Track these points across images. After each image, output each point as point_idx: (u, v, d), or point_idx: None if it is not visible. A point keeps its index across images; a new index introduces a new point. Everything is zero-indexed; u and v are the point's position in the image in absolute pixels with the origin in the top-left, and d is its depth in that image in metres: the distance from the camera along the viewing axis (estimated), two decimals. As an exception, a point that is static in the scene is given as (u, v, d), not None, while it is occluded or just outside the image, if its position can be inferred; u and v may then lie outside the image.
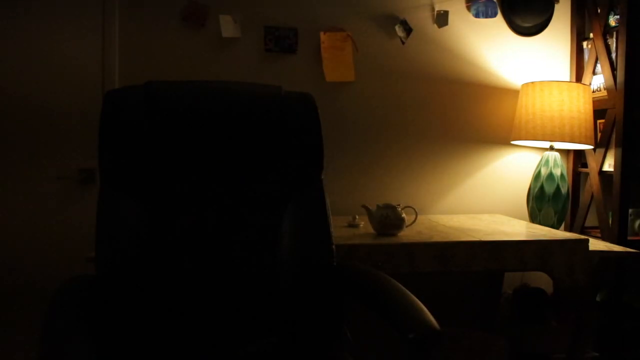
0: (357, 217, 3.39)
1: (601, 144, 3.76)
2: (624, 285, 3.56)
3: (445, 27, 3.95)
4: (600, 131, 3.83)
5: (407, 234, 3.02)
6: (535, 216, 3.75)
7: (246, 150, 2.43)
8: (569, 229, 4.08)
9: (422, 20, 3.93)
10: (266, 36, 3.76)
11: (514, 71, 4.06)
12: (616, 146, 3.57)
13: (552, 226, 3.66)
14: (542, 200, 3.69)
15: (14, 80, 3.53)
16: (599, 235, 3.74)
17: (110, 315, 2.18)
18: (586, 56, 4.01)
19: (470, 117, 4.02)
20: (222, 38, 3.72)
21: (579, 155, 4.11)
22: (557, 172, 3.67)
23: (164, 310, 2.24)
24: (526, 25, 4.05)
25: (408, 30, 3.89)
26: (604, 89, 3.74)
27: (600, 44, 3.77)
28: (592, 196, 3.85)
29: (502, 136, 4.06)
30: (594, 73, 3.90)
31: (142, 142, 2.33)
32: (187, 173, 2.37)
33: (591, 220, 4.00)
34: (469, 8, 3.97)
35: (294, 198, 2.44)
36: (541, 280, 3.86)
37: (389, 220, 2.97)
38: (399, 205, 3.04)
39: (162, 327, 2.23)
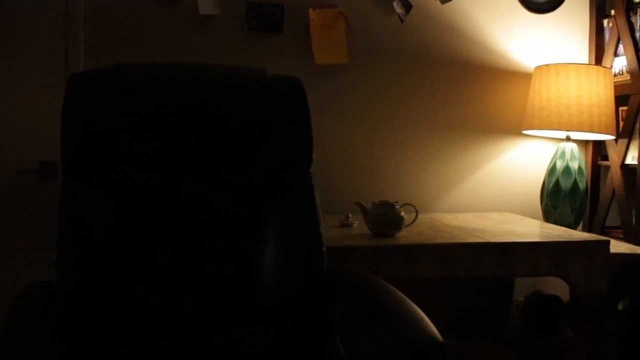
0: (350, 215, 3.41)
1: (623, 133, 3.77)
2: (649, 291, 3.59)
3: (449, 3, 3.96)
4: (622, 119, 3.84)
5: (406, 235, 3.03)
6: (549, 215, 3.76)
7: (226, 141, 2.43)
8: (588, 229, 4.09)
9: (424, -5, 3.95)
10: (248, 13, 3.76)
11: (526, 52, 4.07)
12: (640, 136, 3.58)
13: (569, 226, 3.68)
14: (558, 197, 3.70)
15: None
16: (621, 236, 3.75)
17: (75, 326, 2.18)
18: (607, 35, 4.02)
19: (477, 103, 4.03)
20: (200, 15, 3.71)
21: (598, 147, 4.12)
22: (575, 165, 3.68)
23: (134, 321, 2.24)
24: (540, 1, 4.06)
25: (407, 6, 3.90)
26: (627, 72, 3.76)
27: (622, 22, 3.78)
28: (613, 192, 3.85)
29: (512, 125, 4.07)
30: (615, 54, 3.91)
31: (110, 131, 2.33)
32: (161, 165, 2.37)
33: (612, 219, 4.01)
34: (475, -19, 3.99)
35: (279, 194, 2.45)
36: (556, 286, 3.86)
37: (386, 219, 2.98)
38: (397, 202, 3.05)
39: (132, 338, 2.24)
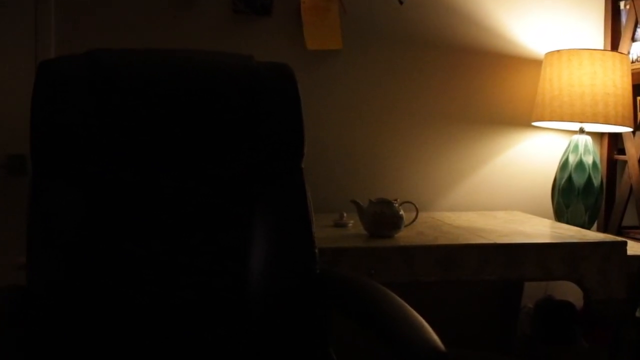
0: (345, 214, 3.41)
1: (642, 125, 3.77)
2: (669, 297, 3.59)
3: (453, -16, 3.97)
4: (640, 110, 3.85)
5: (405, 235, 3.03)
6: (561, 214, 3.76)
7: (210, 133, 2.42)
8: (603, 229, 4.09)
9: (425, -26, 3.94)
10: (234, -6, 3.76)
11: (535, 37, 4.07)
12: (660, 128, 3.59)
13: (582, 226, 3.67)
14: (571, 194, 3.70)
15: None
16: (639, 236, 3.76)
17: (47, 333, 2.17)
18: (623, 19, 4.01)
19: (482, 93, 4.03)
20: (180, -4, 3.72)
21: (614, 140, 4.13)
22: (589, 159, 3.68)
23: (115, 322, 2.24)
24: (551, -19, 4.06)
25: (407, -13, 3.90)
26: (645, 58, 3.76)
27: (640, 4, 3.78)
28: (630, 189, 3.85)
29: (521, 116, 4.08)
30: (633, 39, 3.91)
31: (84, 122, 2.32)
32: (140, 158, 2.36)
33: (630, 218, 4.01)
34: (481, -40, 3.98)
35: (268, 191, 2.45)
36: (569, 291, 3.87)
37: (383, 218, 2.98)
38: (396, 200, 3.05)
39: (112, 340, 2.23)
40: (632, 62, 3.86)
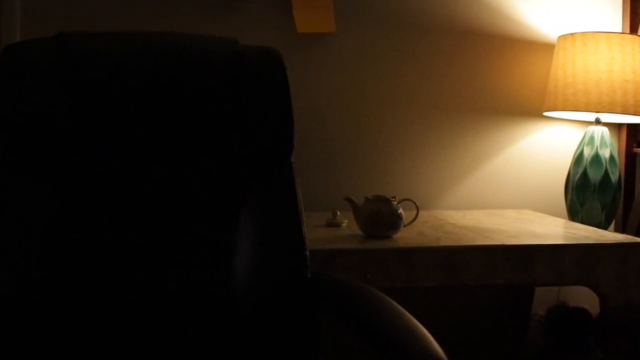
0: (338, 213, 3.41)
1: (664, 116, 3.77)
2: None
3: (457, -39, 3.96)
4: (662, 99, 3.84)
5: (404, 236, 3.04)
6: (576, 212, 3.76)
7: (191, 123, 2.42)
8: (621, 229, 4.09)
9: (426, -50, 3.94)
10: (217, -29, 3.76)
11: (547, 19, 4.06)
12: (683, 119, 3.59)
13: (599, 225, 3.67)
14: (586, 191, 3.70)
15: None
16: (661, 237, 3.76)
17: (16, 338, 2.17)
18: (644, -1, 4.02)
19: (489, 80, 4.03)
20: (159, -26, 3.71)
21: (634, 131, 4.12)
22: (606, 153, 3.68)
23: (91, 326, 2.24)
24: (564, -43, 4.07)
25: (407, -36, 3.90)
26: (668, 42, 3.77)
27: (662, -17, 3.78)
28: (651, 185, 3.86)
29: (531, 106, 4.07)
30: (654, 22, 3.91)
31: (54, 111, 2.31)
32: (115, 151, 2.35)
33: (650, 217, 4.02)
34: None
35: (254, 186, 2.44)
36: (583, 297, 3.87)
37: (381, 217, 2.98)
38: (394, 197, 3.05)
39: (89, 347, 2.23)
40: (653, 46, 3.86)
